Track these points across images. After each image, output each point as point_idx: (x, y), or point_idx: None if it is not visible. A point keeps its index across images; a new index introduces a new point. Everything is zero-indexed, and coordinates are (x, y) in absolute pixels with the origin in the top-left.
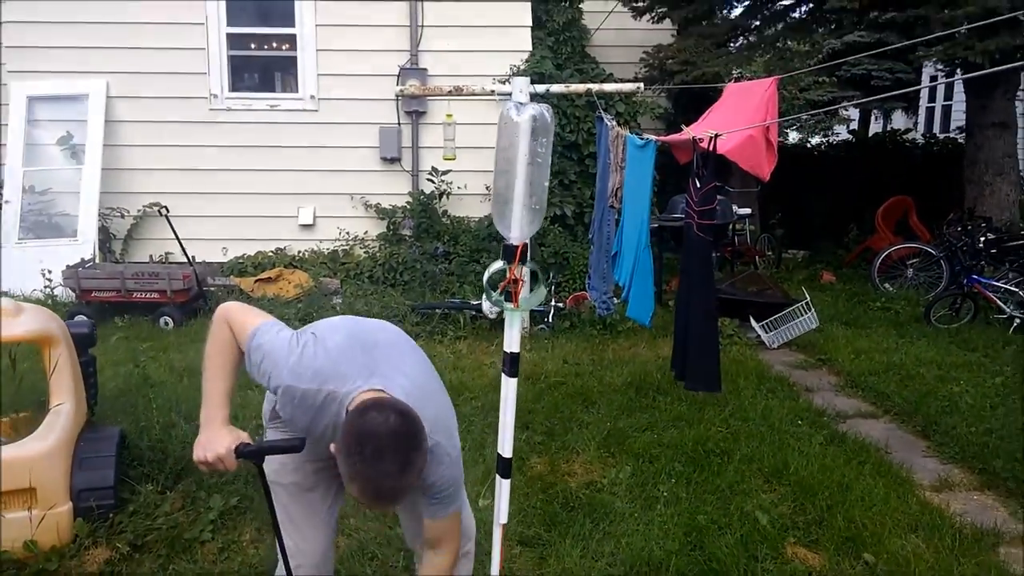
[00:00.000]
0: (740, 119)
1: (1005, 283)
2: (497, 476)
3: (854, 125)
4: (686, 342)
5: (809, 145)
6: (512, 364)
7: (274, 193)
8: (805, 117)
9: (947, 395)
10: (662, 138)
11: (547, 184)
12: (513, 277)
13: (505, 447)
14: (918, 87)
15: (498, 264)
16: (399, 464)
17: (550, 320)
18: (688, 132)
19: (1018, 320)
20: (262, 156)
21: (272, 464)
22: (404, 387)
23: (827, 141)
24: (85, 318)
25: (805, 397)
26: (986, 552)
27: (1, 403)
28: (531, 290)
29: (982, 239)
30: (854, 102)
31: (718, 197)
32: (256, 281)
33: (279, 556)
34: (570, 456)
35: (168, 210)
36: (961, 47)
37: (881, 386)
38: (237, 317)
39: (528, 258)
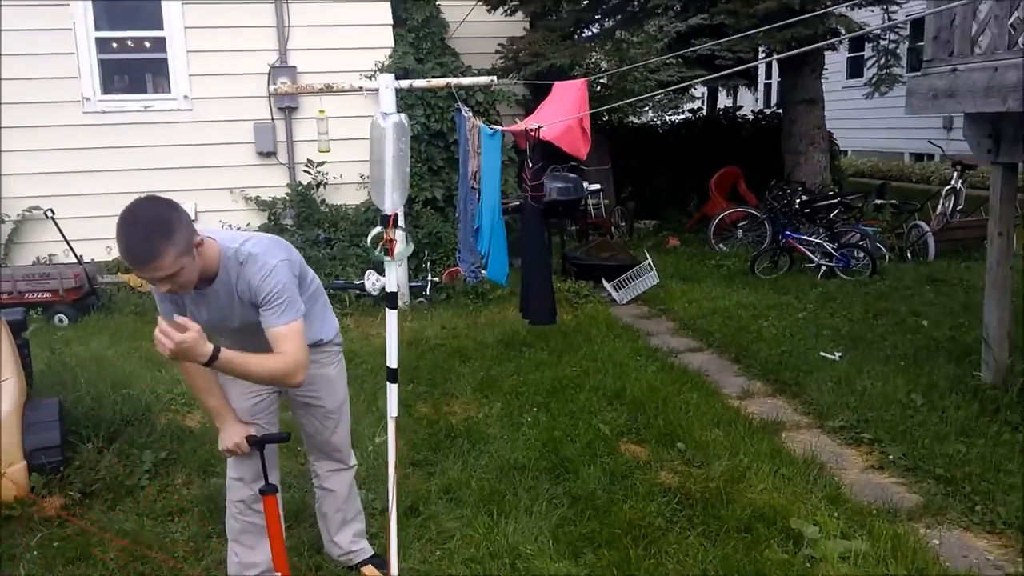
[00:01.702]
0: (563, 111)
1: (814, 237)
2: (387, 383)
3: (703, 103)
4: (528, 289)
5: (655, 124)
6: (392, 299)
7: (155, 191)
8: (630, 102)
9: (757, 329)
10: (505, 128)
11: (408, 170)
12: (389, 237)
13: (391, 360)
14: (727, 73)
15: (378, 229)
16: (144, 230)
17: (428, 294)
18: (521, 125)
19: (824, 267)
20: (140, 156)
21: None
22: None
23: (671, 120)
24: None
25: (645, 340)
26: (769, 435)
27: None
28: (404, 246)
29: (798, 201)
30: (691, 82)
31: (551, 172)
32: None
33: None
34: (450, 400)
35: (54, 212)
36: (764, 36)
37: (706, 326)
38: None
39: (399, 224)
